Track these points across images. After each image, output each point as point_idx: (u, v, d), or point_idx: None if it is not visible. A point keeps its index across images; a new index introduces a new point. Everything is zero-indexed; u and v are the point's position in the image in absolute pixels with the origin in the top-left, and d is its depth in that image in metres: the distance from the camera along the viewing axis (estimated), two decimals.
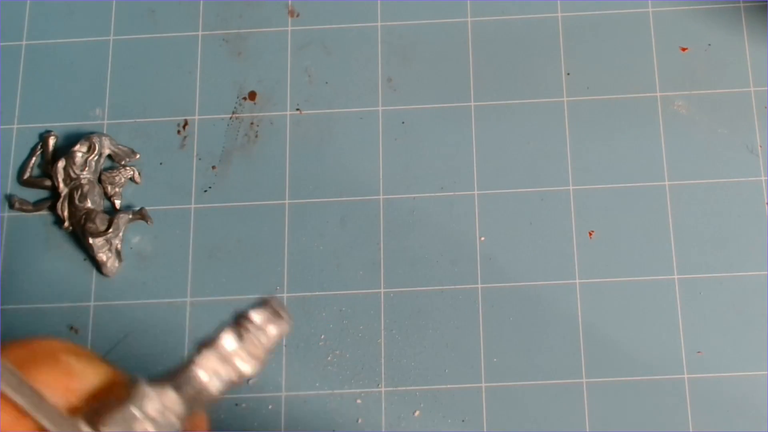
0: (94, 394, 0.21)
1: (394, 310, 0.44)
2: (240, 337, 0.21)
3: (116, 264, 0.45)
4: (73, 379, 0.20)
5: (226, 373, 0.21)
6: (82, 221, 0.45)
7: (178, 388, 0.20)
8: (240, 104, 0.48)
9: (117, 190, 0.46)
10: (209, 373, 0.20)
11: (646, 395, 0.43)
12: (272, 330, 0.21)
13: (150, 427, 0.20)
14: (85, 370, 0.21)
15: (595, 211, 0.45)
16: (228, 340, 0.21)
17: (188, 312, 0.44)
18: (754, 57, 0.47)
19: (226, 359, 0.21)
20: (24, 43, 0.49)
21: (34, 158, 0.47)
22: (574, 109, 0.47)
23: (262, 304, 0.21)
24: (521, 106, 0.47)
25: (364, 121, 0.47)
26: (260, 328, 0.21)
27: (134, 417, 0.20)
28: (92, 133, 0.47)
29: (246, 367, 0.21)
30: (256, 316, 0.21)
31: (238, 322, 0.21)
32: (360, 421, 0.43)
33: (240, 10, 0.50)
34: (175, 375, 0.21)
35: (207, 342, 0.21)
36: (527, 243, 0.45)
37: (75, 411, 0.20)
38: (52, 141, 0.47)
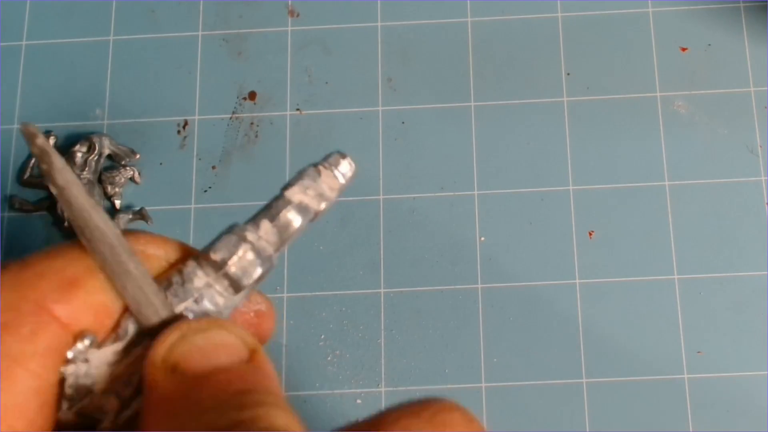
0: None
1: (394, 310, 0.44)
2: (319, 173, 0.24)
3: None
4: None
5: (309, 203, 0.23)
6: None
7: (271, 220, 0.23)
8: (240, 104, 0.48)
9: (117, 190, 0.46)
10: (296, 204, 0.23)
11: (646, 395, 0.43)
12: (344, 167, 0.24)
13: (250, 251, 0.22)
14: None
15: (595, 211, 0.45)
16: (310, 175, 0.24)
17: None
18: (754, 57, 0.47)
19: (308, 192, 0.23)
20: (24, 43, 0.49)
21: (34, 158, 0.47)
22: (574, 109, 0.47)
23: (331, 153, 0.24)
24: (521, 106, 0.47)
25: (364, 121, 0.47)
26: (334, 166, 0.24)
27: (236, 242, 0.22)
28: (92, 133, 0.47)
29: (325, 199, 0.24)
30: (330, 157, 0.24)
31: (315, 164, 0.24)
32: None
33: (240, 10, 0.50)
34: (267, 208, 0.23)
35: (291, 180, 0.23)
36: (527, 243, 0.45)
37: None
38: (52, 141, 0.47)
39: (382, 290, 0.45)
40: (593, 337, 0.43)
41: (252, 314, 0.23)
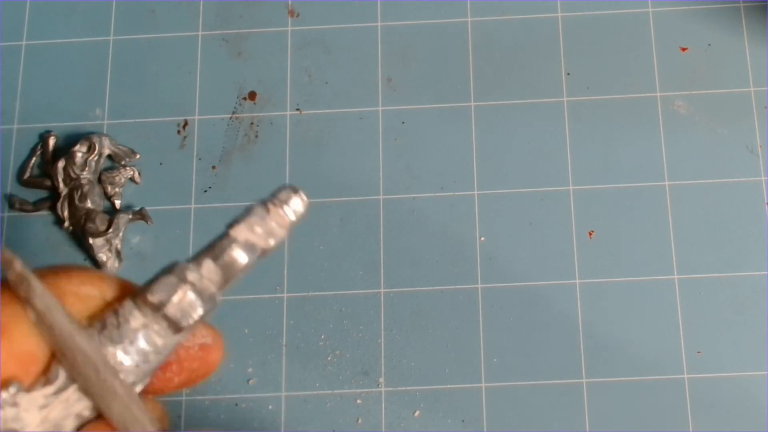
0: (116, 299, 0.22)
1: (394, 310, 0.44)
2: (267, 211, 0.23)
3: (116, 264, 0.45)
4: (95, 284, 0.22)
5: (256, 241, 0.22)
6: (82, 221, 0.45)
7: (215, 259, 0.22)
8: (240, 104, 0.48)
9: (117, 190, 0.46)
10: (242, 243, 0.22)
11: (646, 395, 0.43)
12: (295, 203, 0.23)
13: (191, 292, 0.21)
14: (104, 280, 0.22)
15: (595, 211, 0.45)
16: (257, 213, 0.23)
17: None
18: (754, 57, 0.47)
19: (255, 230, 0.22)
20: (24, 43, 0.49)
21: (34, 158, 0.47)
22: (574, 109, 0.47)
23: (282, 187, 0.24)
24: (521, 106, 0.47)
25: (364, 121, 0.47)
26: (284, 202, 0.23)
27: (175, 283, 0.21)
28: (92, 133, 0.47)
29: (274, 236, 0.23)
30: (281, 194, 0.23)
31: (264, 201, 0.23)
32: (360, 421, 0.43)
33: (240, 10, 0.50)
34: (211, 247, 0.22)
35: (238, 217, 0.23)
36: (527, 243, 0.45)
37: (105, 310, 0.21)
38: (52, 141, 0.47)
39: (382, 290, 0.45)
40: (593, 337, 0.43)
41: (197, 348, 0.23)
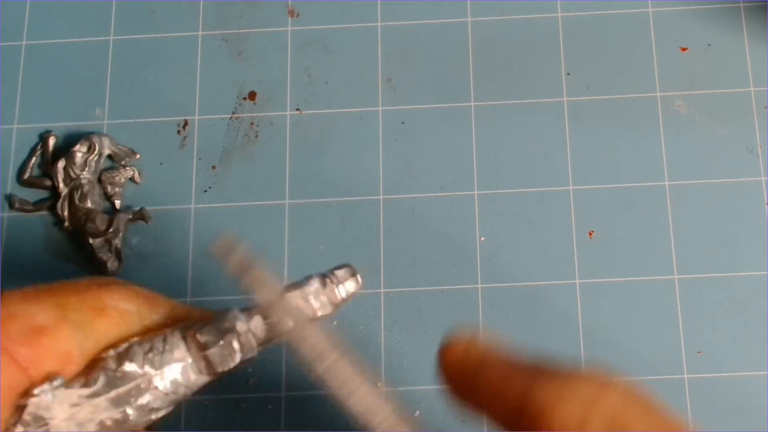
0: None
1: (394, 310, 0.44)
2: (323, 285, 0.24)
3: (116, 264, 0.45)
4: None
5: (306, 309, 0.24)
6: (82, 221, 0.45)
7: (264, 317, 0.23)
8: (240, 104, 0.48)
9: (117, 190, 0.46)
10: (293, 308, 0.24)
11: None
12: (349, 285, 0.25)
13: (235, 342, 0.23)
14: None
15: (595, 211, 0.45)
16: (314, 285, 0.24)
17: None
18: (754, 57, 0.47)
19: (308, 300, 0.24)
20: (24, 43, 0.49)
21: (34, 158, 0.47)
22: (574, 109, 0.47)
23: (343, 265, 0.25)
24: (521, 106, 0.47)
25: (364, 121, 0.47)
26: (340, 281, 0.25)
27: (224, 330, 0.23)
28: (92, 133, 0.47)
29: (323, 309, 0.24)
30: (339, 272, 0.25)
31: (323, 275, 0.25)
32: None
33: (240, 10, 0.50)
34: (263, 306, 0.24)
35: (295, 284, 0.24)
36: (527, 243, 0.45)
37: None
38: (52, 141, 0.47)
39: (382, 290, 0.45)
40: (593, 337, 0.43)
41: None
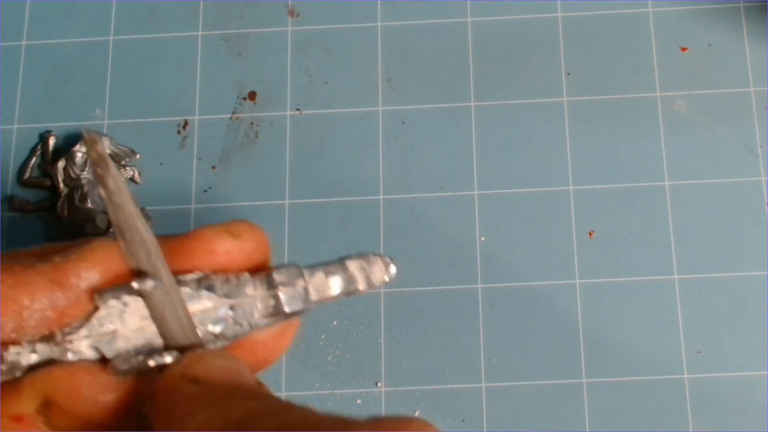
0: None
1: (394, 310, 0.44)
2: (383, 261, 0.25)
3: None
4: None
5: (358, 279, 0.24)
6: (82, 221, 0.45)
7: (326, 274, 0.24)
8: (240, 104, 0.48)
9: None
10: (349, 274, 0.24)
11: (646, 395, 0.43)
12: (392, 269, 0.25)
13: (302, 288, 0.23)
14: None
15: (595, 211, 0.45)
16: (373, 260, 0.25)
17: None
18: (754, 57, 0.47)
19: (363, 269, 0.25)
20: (24, 43, 0.49)
21: (34, 158, 0.47)
22: (574, 109, 0.47)
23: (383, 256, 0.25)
24: (521, 106, 0.47)
25: (364, 121, 0.47)
26: (388, 264, 0.25)
27: (297, 274, 0.23)
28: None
29: (370, 284, 0.25)
30: (386, 257, 0.25)
31: (379, 254, 0.25)
32: None
33: (240, 10, 0.50)
34: (324, 264, 0.24)
35: (353, 255, 0.25)
36: (527, 243, 0.45)
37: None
38: (52, 141, 0.47)
39: (382, 290, 0.45)
40: (593, 337, 0.43)
41: (272, 337, 0.24)
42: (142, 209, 0.46)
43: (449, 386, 0.43)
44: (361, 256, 0.25)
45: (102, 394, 0.21)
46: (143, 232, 0.22)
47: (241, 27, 0.49)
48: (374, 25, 0.49)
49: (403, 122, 0.47)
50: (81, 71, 0.49)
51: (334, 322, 0.44)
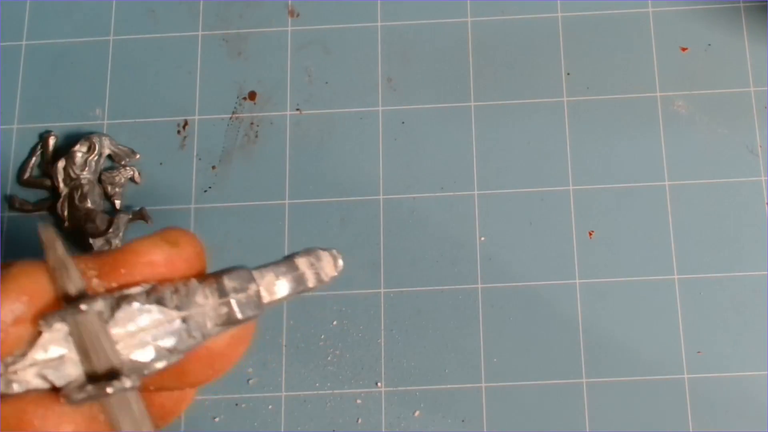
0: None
1: (394, 310, 0.44)
2: (333, 257, 0.25)
3: None
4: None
5: (309, 276, 0.24)
6: (82, 221, 0.45)
7: (277, 275, 0.23)
8: (240, 104, 0.48)
9: (117, 190, 0.46)
10: (299, 273, 0.23)
11: (646, 395, 0.43)
12: (339, 264, 0.25)
13: (254, 292, 0.22)
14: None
15: (595, 211, 0.45)
16: (323, 257, 0.24)
17: None
18: (754, 57, 0.47)
19: (314, 264, 0.24)
20: (24, 43, 0.49)
21: (34, 158, 0.47)
22: (574, 109, 0.47)
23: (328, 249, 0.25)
24: (521, 106, 0.47)
25: (364, 121, 0.47)
26: (336, 258, 0.25)
27: (248, 278, 0.22)
28: (92, 133, 0.47)
29: (320, 281, 0.24)
30: (332, 250, 0.25)
31: (329, 250, 0.25)
32: (360, 421, 0.43)
33: (240, 10, 0.50)
34: (274, 264, 0.23)
35: (302, 251, 0.24)
36: (527, 243, 0.45)
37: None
38: (52, 141, 0.47)
39: (382, 290, 0.45)
40: (593, 337, 0.43)
41: (226, 344, 0.23)
42: (142, 209, 0.46)
43: (449, 386, 0.43)
44: (308, 251, 0.24)
45: (58, 427, 0.19)
46: (60, 251, 0.21)
47: (241, 27, 0.49)
48: (374, 25, 0.49)
49: (403, 122, 0.47)
50: (81, 71, 0.49)
51: (334, 322, 0.44)
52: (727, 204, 0.45)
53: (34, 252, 0.47)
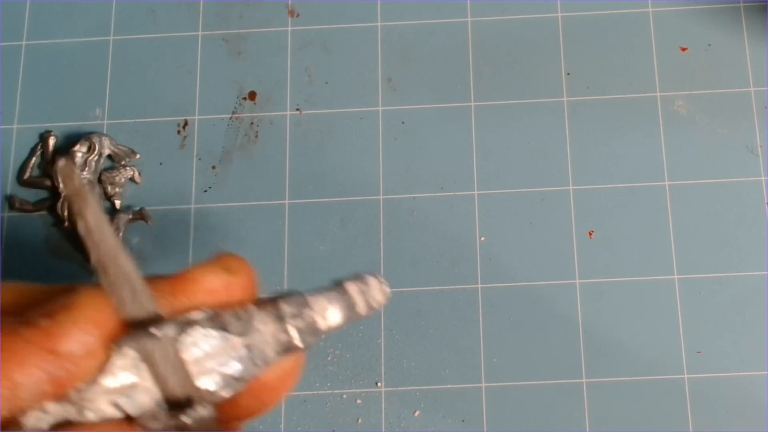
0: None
1: (394, 310, 0.44)
2: (380, 283, 0.24)
3: None
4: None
5: (360, 303, 0.23)
6: None
7: (329, 301, 0.22)
8: (240, 104, 0.48)
9: (117, 190, 0.46)
10: (353, 298, 0.23)
11: (646, 395, 0.43)
12: (387, 289, 0.24)
13: (310, 319, 0.21)
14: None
15: (595, 211, 0.45)
16: (372, 283, 0.23)
17: None
18: (754, 57, 0.47)
19: (365, 292, 0.23)
20: (24, 43, 0.49)
21: (34, 158, 0.47)
22: (574, 109, 0.47)
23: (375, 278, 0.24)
24: (521, 106, 0.47)
25: (364, 121, 0.47)
26: (382, 283, 0.24)
27: (304, 303, 0.22)
28: (92, 133, 0.47)
29: (371, 309, 0.23)
30: (381, 277, 0.24)
31: (376, 276, 0.24)
32: (360, 421, 0.43)
33: (240, 10, 0.50)
34: (326, 290, 0.23)
35: (352, 276, 0.23)
36: (527, 243, 0.45)
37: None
38: (52, 141, 0.47)
39: None
40: (593, 337, 0.43)
41: (279, 377, 0.22)
42: (142, 209, 0.46)
43: (449, 386, 0.43)
44: (356, 277, 0.23)
45: None
46: (127, 268, 0.20)
47: (241, 27, 0.49)
48: (374, 25, 0.49)
49: (403, 122, 0.47)
50: (81, 71, 0.49)
51: None
52: (727, 204, 0.45)
53: (34, 252, 0.47)
